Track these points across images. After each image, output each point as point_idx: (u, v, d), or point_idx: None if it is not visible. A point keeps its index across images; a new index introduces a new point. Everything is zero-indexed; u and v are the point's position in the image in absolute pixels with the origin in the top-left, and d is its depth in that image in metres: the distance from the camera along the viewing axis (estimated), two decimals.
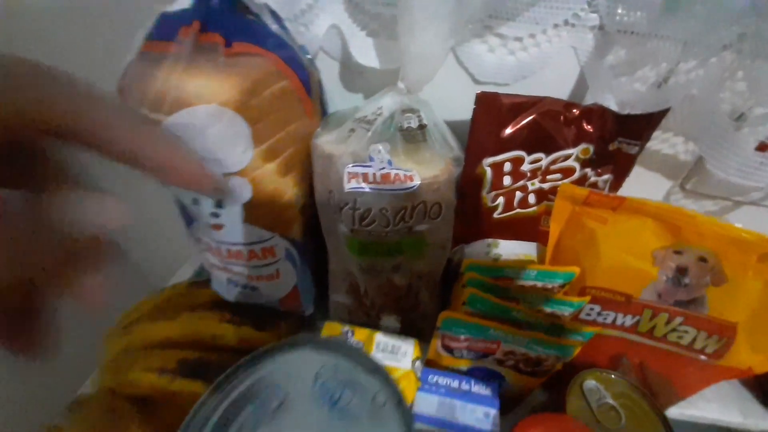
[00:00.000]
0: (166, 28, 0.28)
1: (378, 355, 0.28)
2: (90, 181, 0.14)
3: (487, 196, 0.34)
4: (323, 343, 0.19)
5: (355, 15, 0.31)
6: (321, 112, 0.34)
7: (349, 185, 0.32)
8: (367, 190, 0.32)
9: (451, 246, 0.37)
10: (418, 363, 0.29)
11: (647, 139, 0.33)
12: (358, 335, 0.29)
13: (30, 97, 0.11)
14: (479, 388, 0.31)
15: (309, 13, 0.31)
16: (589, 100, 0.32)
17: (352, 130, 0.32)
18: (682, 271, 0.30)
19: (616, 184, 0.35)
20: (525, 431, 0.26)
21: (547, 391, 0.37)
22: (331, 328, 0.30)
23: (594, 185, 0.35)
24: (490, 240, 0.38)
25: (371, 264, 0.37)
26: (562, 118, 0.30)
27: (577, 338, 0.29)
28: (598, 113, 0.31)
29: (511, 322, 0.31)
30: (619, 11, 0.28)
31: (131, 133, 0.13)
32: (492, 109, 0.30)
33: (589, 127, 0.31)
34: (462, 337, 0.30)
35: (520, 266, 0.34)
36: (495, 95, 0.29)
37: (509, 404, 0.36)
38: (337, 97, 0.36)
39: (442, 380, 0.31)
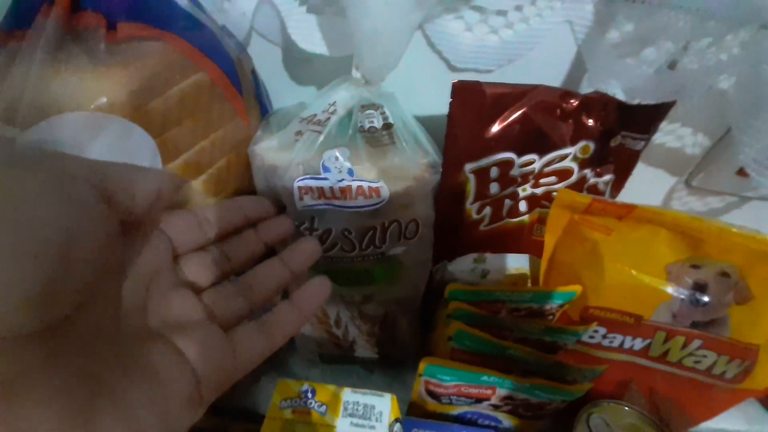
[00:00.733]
0: (20, 12, 0.20)
1: (347, 423, 0.22)
2: None
3: (470, 208, 0.28)
4: None
5: None
6: (259, 111, 0.27)
7: (302, 203, 0.26)
8: (325, 207, 0.26)
9: (431, 266, 0.32)
10: (397, 426, 0.23)
11: (654, 132, 0.28)
12: (321, 395, 0.23)
13: None
14: None
15: None
16: (587, 88, 0.27)
17: (300, 133, 0.25)
18: (700, 288, 0.26)
19: (618, 184, 0.30)
20: None
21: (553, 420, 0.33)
22: (285, 389, 0.23)
23: (594, 187, 0.30)
24: (475, 255, 0.32)
25: (338, 291, 0.31)
26: (558, 110, 0.25)
27: (585, 380, 0.24)
28: (599, 103, 0.25)
29: (505, 360, 0.26)
30: None
31: None
32: (473, 102, 0.23)
33: (589, 120, 0.25)
34: (450, 384, 0.25)
35: (512, 289, 0.29)
36: (476, 85, 0.23)
37: None
38: (280, 89, 0.29)
39: None
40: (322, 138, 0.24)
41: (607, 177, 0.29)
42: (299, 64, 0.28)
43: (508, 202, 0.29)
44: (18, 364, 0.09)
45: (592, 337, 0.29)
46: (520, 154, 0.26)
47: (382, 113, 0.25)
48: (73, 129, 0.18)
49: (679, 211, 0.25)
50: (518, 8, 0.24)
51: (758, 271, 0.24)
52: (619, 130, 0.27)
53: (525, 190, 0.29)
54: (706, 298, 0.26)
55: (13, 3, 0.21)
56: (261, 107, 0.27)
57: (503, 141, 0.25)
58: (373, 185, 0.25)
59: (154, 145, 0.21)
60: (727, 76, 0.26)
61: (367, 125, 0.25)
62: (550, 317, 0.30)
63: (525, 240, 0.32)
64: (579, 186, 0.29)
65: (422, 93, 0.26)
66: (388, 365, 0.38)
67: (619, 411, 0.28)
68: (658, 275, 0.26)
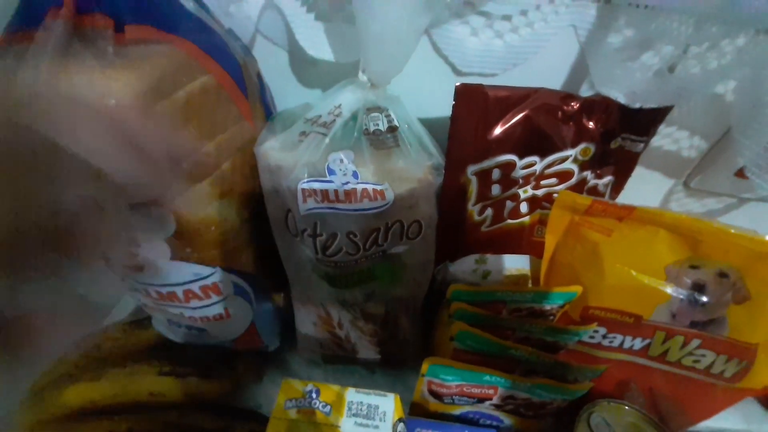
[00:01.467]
0: (29, 12, 0.20)
1: (351, 422, 0.23)
2: None
3: (473, 209, 0.29)
4: None
5: None
6: (264, 112, 0.27)
7: (305, 206, 0.26)
8: (329, 211, 0.26)
9: (433, 266, 0.32)
10: (401, 426, 0.23)
11: (653, 134, 0.28)
12: (325, 395, 0.24)
13: None
14: None
15: None
16: (588, 91, 0.27)
17: (304, 134, 0.26)
18: (699, 288, 0.26)
19: (618, 186, 0.31)
20: None
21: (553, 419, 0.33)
22: (289, 390, 0.24)
23: (594, 189, 0.30)
24: (477, 255, 0.33)
25: (342, 295, 0.31)
26: (559, 113, 0.25)
27: (586, 379, 0.25)
28: (601, 106, 0.25)
29: (507, 360, 0.26)
30: None
31: None
32: (476, 104, 0.24)
33: (590, 123, 0.26)
34: (452, 384, 0.25)
35: (513, 289, 0.29)
36: (479, 88, 0.23)
37: None
38: (284, 92, 0.29)
39: None
40: (327, 140, 0.24)
41: (607, 179, 0.30)
42: (304, 67, 0.28)
43: (509, 203, 0.30)
44: None
45: (592, 337, 0.29)
46: (521, 156, 0.26)
47: (387, 116, 0.25)
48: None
49: (677, 213, 0.25)
50: (523, 13, 0.25)
51: (756, 272, 0.25)
52: (619, 132, 0.27)
53: (526, 192, 0.29)
54: (704, 298, 0.26)
55: (21, 4, 0.21)
56: (266, 110, 0.27)
57: (505, 143, 0.25)
58: (378, 188, 0.25)
59: None
60: (725, 80, 0.26)
61: (372, 128, 0.25)
62: (551, 317, 0.30)
63: (526, 241, 0.32)
64: (579, 188, 0.29)
65: (427, 96, 0.27)
66: (390, 366, 0.38)
67: (619, 410, 0.28)
68: (657, 276, 0.27)
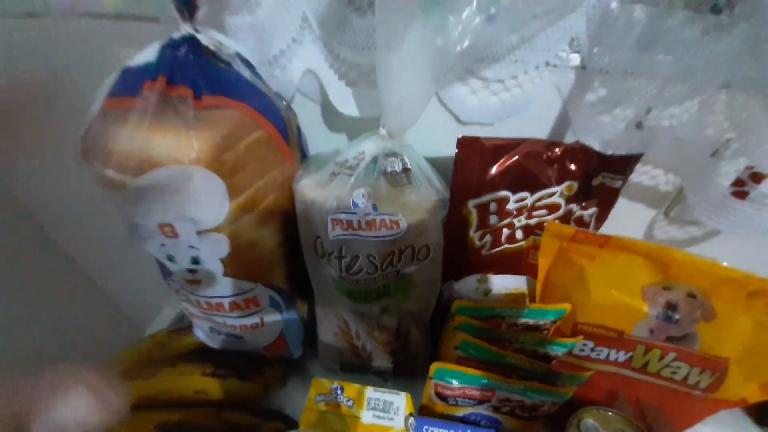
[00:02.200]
0: (130, 83, 0.26)
1: (369, 414, 0.27)
2: None
3: (474, 236, 0.33)
4: None
5: (331, 61, 0.30)
6: (300, 155, 0.33)
7: (334, 233, 0.31)
8: (353, 237, 0.31)
9: (440, 284, 0.36)
10: (411, 420, 0.28)
11: (630, 173, 0.33)
12: (349, 392, 0.28)
13: None
14: None
15: (282, 57, 0.30)
16: (571, 138, 0.32)
17: (334, 174, 0.31)
18: (672, 307, 0.30)
19: (602, 216, 0.35)
20: None
21: (546, 427, 0.37)
22: (319, 387, 0.28)
23: (580, 219, 0.35)
24: (479, 275, 0.37)
25: (360, 309, 0.36)
26: (544, 157, 0.30)
27: (573, 384, 0.28)
28: (580, 151, 0.30)
29: (504, 368, 0.30)
30: (596, 51, 0.28)
31: None
32: (474, 152, 0.29)
33: (572, 165, 0.31)
34: (455, 386, 0.29)
35: (510, 305, 0.33)
36: (476, 139, 0.29)
37: None
38: (318, 139, 0.35)
39: (437, 431, 0.30)
40: (352, 180, 0.30)
41: (592, 210, 0.34)
42: (334, 120, 0.34)
43: (506, 231, 0.34)
44: None
45: (581, 350, 0.33)
46: (514, 192, 0.31)
47: (402, 160, 0.30)
48: (172, 177, 0.24)
49: (647, 242, 0.29)
50: (514, 77, 0.30)
51: (720, 293, 0.28)
52: (599, 171, 0.32)
53: (520, 221, 0.34)
54: (677, 316, 0.30)
55: (120, 76, 0.27)
56: (302, 153, 0.33)
57: (500, 182, 0.30)
58: (394, 218, 0.30)
59: (224, 187, 0.27)
60: (686, 133, 0.31)
61: (389, 169, 0.30)
62: (545, 332, 0.34)
63: (522, 263, 0.37)
64: (566, 218, 0.34)
65: (436, 142, 0.32)
66: (401, 375, 0.42)
67: (607, 417, 0.31)
68: (635, 296, 0.31)
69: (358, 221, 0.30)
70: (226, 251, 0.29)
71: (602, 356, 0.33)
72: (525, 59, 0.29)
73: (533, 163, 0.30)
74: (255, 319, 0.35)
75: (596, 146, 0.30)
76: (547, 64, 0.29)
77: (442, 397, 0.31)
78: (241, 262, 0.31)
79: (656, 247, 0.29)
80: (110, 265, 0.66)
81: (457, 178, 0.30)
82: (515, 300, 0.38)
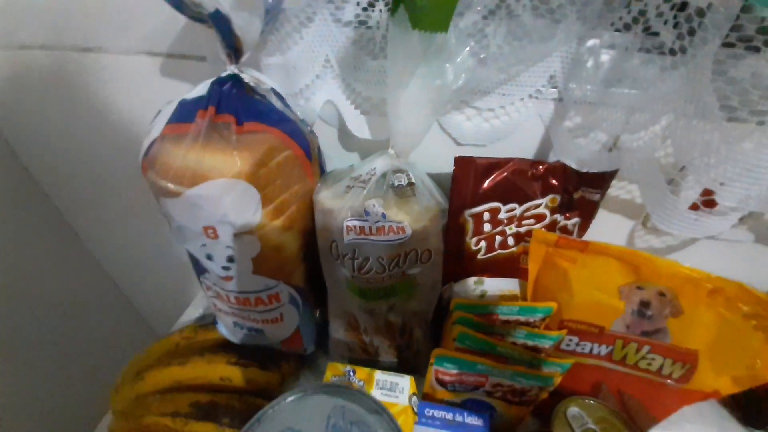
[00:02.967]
0: (185, 112, 0.32)
1: (378, 393, 0.31)
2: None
3: (470, 241, 0.38)
4: (333, 389, 0.22)
5: (348, 94, 0.36)
6: (320, 171, 0.39)
7: (348, 237, 0.36)
8: (364, 241, 0.36)
9: (441, 286, 0.41)
10: (414, 398, 0.32)
11: (607, 187, 0.38)
12: (359, 374, 0.32)
13: None
14: (472, 419, 0.33)
15: (307, 90, 0.36)
16: (553, 158, 0.37)
17: (349, 187, 0.36)
18: (645, 304, 0.34)
19: (584, 225, 0.40)
20: None
21: (538, 419, 0.40)
22: (334, 369, 0.32)
23: (564, 228, 0.39)
24: (475, 278, 0.41)
25: (369, 306, 0.40)
26: (530, 174, 0.35)
27: (555, 369, 0.32)
28: (560, 169, 0.35)
29: (497, 357, 0.34)
30: (571, 86, 0.33)
31: None
32: (469, 169, 0.34)
33: (554, 181, 0.36)
34: (453, 371, 0.33)
35: (503, 303, 0.37)
36: (471, 159, 0.34)
37: None
38: (334, 156, 0.41)
39: (438, 413, 0.34)
40: (365, 192, 0.35)
41: (575, 220, 0.39)
42: (349, 140, 0.40)
43: (498, 237, 0.39)
44: None
45: (568, 344, 0.37)
46: (504, 203, 0.36)
47: (407, 175, 0.35)
48: (218, 188, 0.30)
49: (620, 246, 0.34)
50: (502, 107, 0.36)
51: (685, 292, 0.33)
52: (579, 186, 0.37)
53: (511, 229, 0.39)
54: (649, 312, 0.34)
55: (178, 107, 0.33)
56: (321, 169, 0.39)
57: (491, 194, 0.35)
58: (400, 225, 0.35)
59: (259, 197, 0.32)
60: (656, 151, 0.36)
61: (396, 183, 0.35)
62: (536, 328, 0.38)
63: (515, 267, 0.41)
64: (552, 226, 0.38)
65: (437, 159, 0.37)
66: (405, 371, 0.46)
67: (591, 405, 0.35)
68: (613, 295, 0.35)
69: (369, 227, 0.35)
70: (257, 251, 0.34)
71: (586, 350, 0.37)
72: (511, 93, 0.35)
73: (520, 179, 0.35)
74: (276, 314, 0.39)
75: (573, 165, 0.35)
76: (530, 96, 0.35)
77: (442, 383, 0.35)
78: (267, 262, 0.36)
79: (627, 251, 0.33)
80: (135, 275, 0.71)
81: (455, 191, 0.35)
82: (509, 300, 0.42)
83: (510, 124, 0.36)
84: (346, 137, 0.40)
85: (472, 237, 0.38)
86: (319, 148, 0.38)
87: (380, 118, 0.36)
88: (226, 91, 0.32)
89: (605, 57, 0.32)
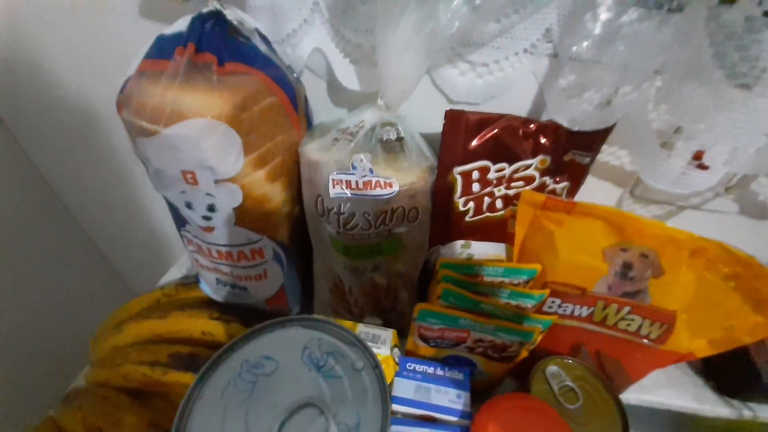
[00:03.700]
0: (163, 48, 0.30)
1: None
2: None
3: (458, 201, 0.38)
4: (310, 321, 0.22)
5: (337, 41, 0.35)
6: (307, 124, 0.37)
7: (334, 191, 0.35)
8: (351, 196, 0.35)
9: (427, 248, 0.41)
10: (396, 350, 0.32)
11: (597, 151, 0.37)
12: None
13: None
14: (453, 374, 0.34)
15: (294, 36, 0.34)
16: (546, 118, 0.36)
17: (336, 140, 0.35)
18: (627, 266, 0.34)
19: (573, 190, 0.40)
20: (492, 407, 0.29)
21: (518, 380, 0.41)
22: None
23: (553, 192, 0.39)
24: (462, 241, 0.41)
25: (354, 264, 0.40)
26: (520, 132, 0.34)
27: (536, 324, 0.33)
28: (552, 128, 0.35)
29: (480, 314, 0.34)
30: (567, 40, 0.33)
31: None
32: (459, 124, 0.33)
33: (545, 140, 0.35)
34: (436, 327, 0.33)
35: (489, 264, 0.37)
36: (461, 112, 0.33)
37: (484, 392, 0.39)
38: (322, 110, 0.40)
39: (419, 367, 0.34)
40: (352, 145, 0.34)
41: (563, 184, 0.39)
42: (338, 92, 0.39)
43: (487, 199, 0.38)
44: None
45: (550, 306, 0.37)
46: (494, 162, 0.36)
47: (397, 129, 0.34)
48: (197, 129, 0.29)
49: (607, 207, 0.33)
50: (496, 62, 0.35)
51: (667, 252, 0.33)
52: (569, 148, 0.36)
53: (500, 191, 0.38)
54: (632, 274, 0.34)
55: (155, 43, 0.31)
56: (308, 121, 0.37)
57: (481, 152, 0.35)
58: (387, 180, 0.34)
59: (240, 143, 0.31)
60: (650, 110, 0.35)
61: (385, 137, 0.34)
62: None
63: (502, 231, 0.41)
64: (540, 189, 0.38)
65: (429, 118, 0.36)
66: None
67: (569, 365, 0.36)
68: (597, 256, 0.35)
69: (356, 181, 0.34)
70: (239, 201, 0.33)
71: (568, 312, 0.37)
72: (506, 46, 0.33)
73: (510, 137, 0.34)
74: (259, 270, 0.39)
75: (566, 123, 0.34)
76: (525, 50, 0.34)
77: (425, 339, 0.35)
78: (251, 214, 0.35)
79: (614, 211, 0.33)
80: (114, 234, 0.69)
81: (444, 146, 0.34)
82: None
83: (504, 80, 0.35)
84: (334, 90, 0.39)
85: (460, 196, 0.37)
86: (306, 99, 0.37)
87: (371, 68, 0.34)
88: (208, 28, 0.30)
89: (602, 10, 0.31)
